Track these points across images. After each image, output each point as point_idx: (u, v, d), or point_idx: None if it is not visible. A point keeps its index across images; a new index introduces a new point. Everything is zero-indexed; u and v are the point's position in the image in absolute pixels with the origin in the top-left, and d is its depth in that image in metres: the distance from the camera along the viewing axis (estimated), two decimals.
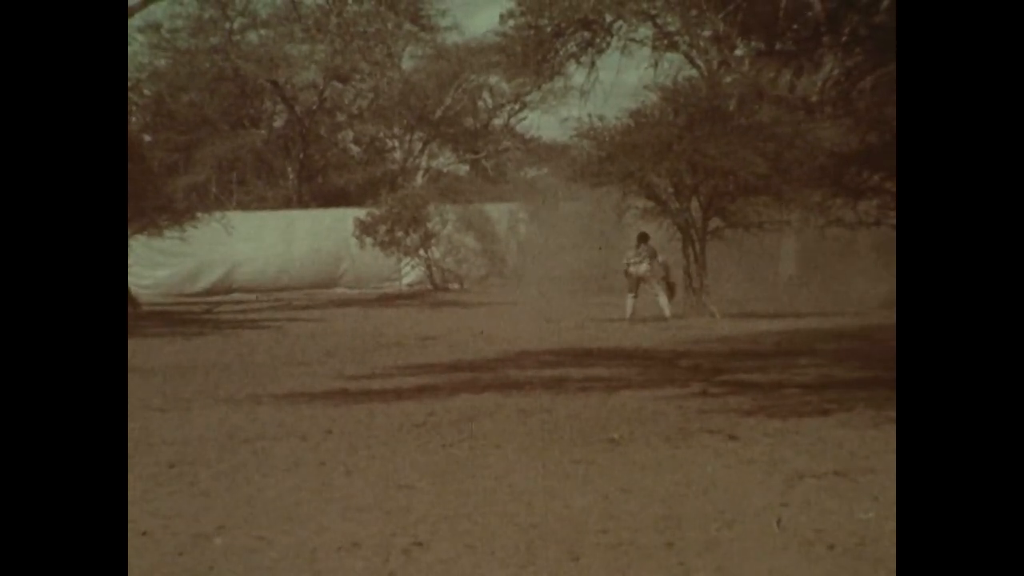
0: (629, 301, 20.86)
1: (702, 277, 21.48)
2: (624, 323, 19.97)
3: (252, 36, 37.19)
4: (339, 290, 31.50)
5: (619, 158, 20.94)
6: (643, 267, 20.92)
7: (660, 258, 21.17)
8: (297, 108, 37.80)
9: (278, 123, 39.11)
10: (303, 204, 36.40)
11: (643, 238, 21.43)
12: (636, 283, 20.90)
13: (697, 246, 21.85)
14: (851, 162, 14.40)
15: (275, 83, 36.90)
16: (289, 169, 38.01)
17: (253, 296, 30.59)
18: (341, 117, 39.39)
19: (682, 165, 20.58)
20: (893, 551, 5.90)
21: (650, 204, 22.28)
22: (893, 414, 9.87)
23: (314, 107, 37.94)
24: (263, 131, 38.52)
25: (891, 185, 14.71)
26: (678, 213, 21.82)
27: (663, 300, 20.73)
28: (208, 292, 30.51)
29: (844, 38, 10.40)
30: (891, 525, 6.39)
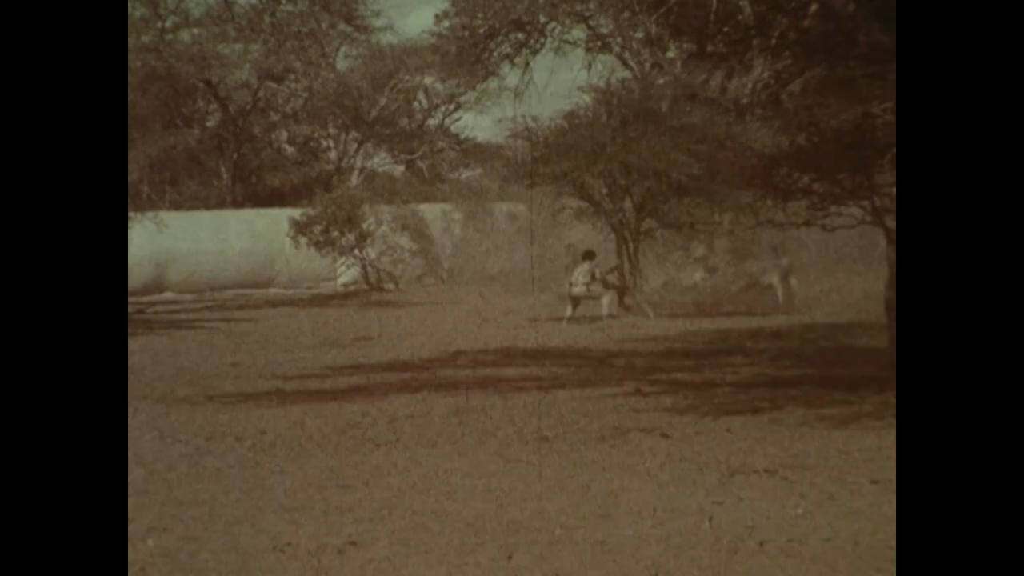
0: (569, 307, 20.80)
1: (636, 277, 21.60)
2: (560, 323, 20.04)
3: (184, 35, 36.90)
4: (274, 290, 31.35)
5: (553, 159, 21.03)
6: (580, 289, 20.72)
7: (610, 274, 21.08)
8: (231, 108, 37.56)
9: (211, 123, 38.83)
10: (237, 204, 36.17)
11: (588, 256, 21.12)
12: (576, 301, 20.71)
13: (631, 246, 21.99)
14: (781, 163, 14.55)
15: (208, 82, 36.63)
16: (223, 169, 37.77)
17: (186, 296, 30.36)
18: (275, 117, 39.17)
19: (615, 166, 20.70)
20: (822, 547, 6.00)
21: (584, 204, 22.39)
22: (823, 411, 10.02)
23: (248, 107, 37.71)
24: (196, 131, 38.24)
25: (820, 186, 14.88)
26: (611, 214, 21.95)
27: (605, 300, 20.63)
28: (140, 292, 30.24)
29: (773, 41, 10.52)
30: (820, 521, 6.50)
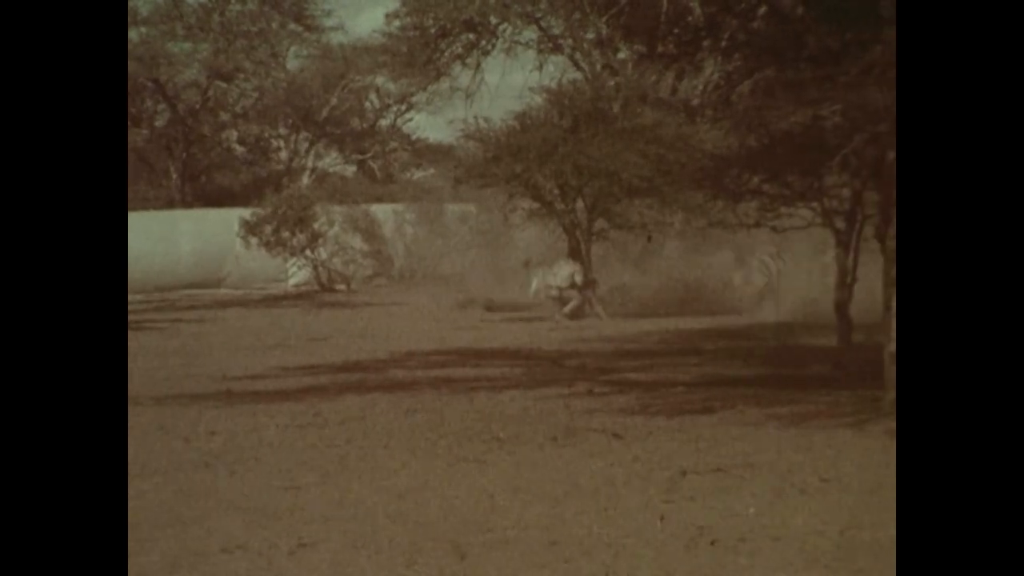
0: (534, 282, 21.01)
1: (587, 278, 21.62)
2: (512, 324, 20.04)
3: (132, 34, 36.61)
4: (223, 291, 31.16)
5: (505, 160, 21.01)
6: (554, 293, 20.92)
7: (586, 286, 21.02)
8: (179, 107, 37.31)
9: (160, 122, 38.53)
10: (186, 204, 35.93)
11: (572, 256, 21.35)
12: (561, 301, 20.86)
13: (582, 247, 22.00)
14: (731, 165, 14.62)
15: (156, 81, 36.37)
16: (172, 169, 37.50)
17: (136, 298, 30.13)
18: (225, 116, 38.94)
19: (567, 167, 20.70)
20: (773, 545, 6.03)
21: (536, 205, 22.37)
22: (774, 410, 10.08)
23: (197, 106, 37.46)
24: (144, 131, 37.93)
25: (770, 187, 14.96)
26: (563, 215, 21.95)
27: (572, 304, 20.77)
28: None
29: (723, 43, 10.56)
30: (771, 519, 6.53)
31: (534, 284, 21.03)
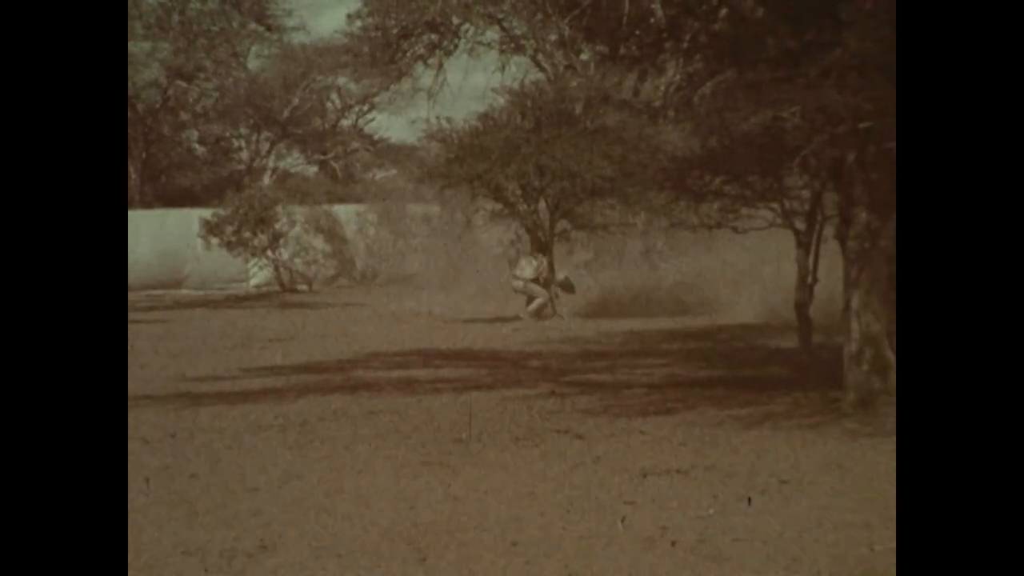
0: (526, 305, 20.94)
1: (550, 279, 21.63)
2: (474, 324, 20.02)
3: None
4: (184, 291, 31.00)
5: (467, 160, 20.99)
6: (519, 285, 21.01)
7: (557, 282, 21.21)
8: (139, 107, 37.09)
9: None
10: (146, 204, 35.72)
11: (539, 250, 21.32)
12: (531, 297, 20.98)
13: (546, 247, 22.03)
14: (693, 165, 14.68)
15: None
16: (131, 169, 37.28)
17: None
18: (185, 116, 38.74)
19: (529, 167, 20.70)
20: (732, 546, 6.06)
21: (498, 206, 22.37)
22: (734, 412, 10.12)
23: (157, 106, 37.26)
24: None
25: (731, 188, 15.02)
26: (526, 215, 21.96)
27: (537, 303, 20.79)
28: None
29: (685, 44, 10.62)
30: (730, 521, 6.56)
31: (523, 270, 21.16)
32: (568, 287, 21.23)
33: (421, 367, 13.94)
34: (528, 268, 20.96)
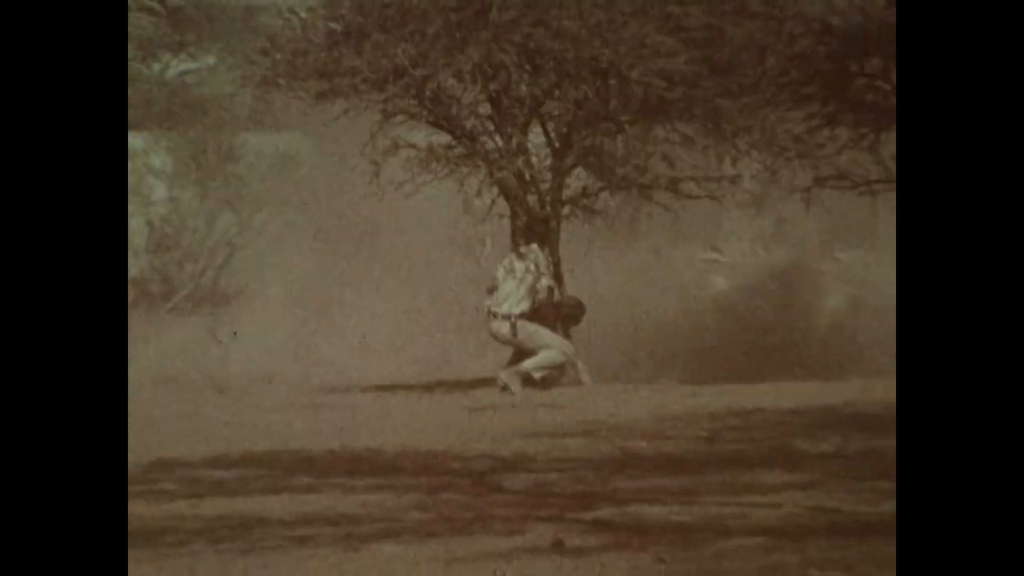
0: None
1: (560, 303, 10.56)
2: (393, 395, 10.49)
3: None
4: None
5: (371, 37, 9.60)
6: (499, 326, 10.42)
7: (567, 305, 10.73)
8: None
9: None
10: None
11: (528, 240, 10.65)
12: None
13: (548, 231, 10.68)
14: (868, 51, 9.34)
15: None
16: None
17: None
18: None
19: (508, 52, 9.59)
20: None
21: (443, 139, 10.66)
22: None
23: None
24: None
25: None
26: (502, 160, 10.43)
27: (543, 356, 10.28)
28: None
29: None
30: None
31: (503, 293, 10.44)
32: (573, 314, 10.64)
33: (267, 492, 6.67)
34: (515, 290, 10.37)
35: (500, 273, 10.48)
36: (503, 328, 10.31)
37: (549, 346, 10.25)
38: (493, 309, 10.37)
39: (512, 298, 10.30)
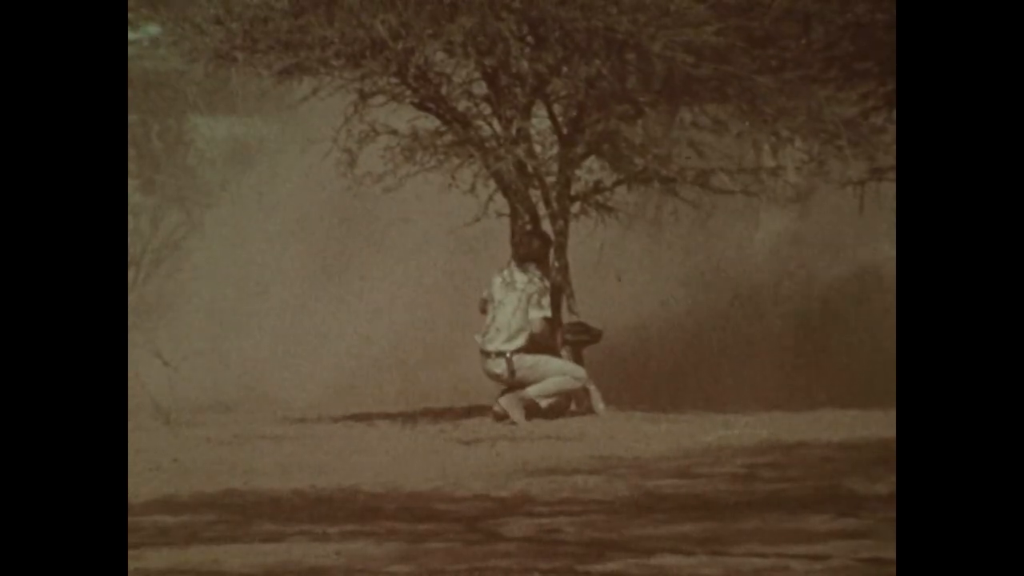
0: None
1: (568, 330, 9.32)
2: (373, 427, 9.21)
3: None
4: None
5: (342, 11, 8.43)
6: (494, 364, 9.11)
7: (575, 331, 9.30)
8: None
9: None
10: None
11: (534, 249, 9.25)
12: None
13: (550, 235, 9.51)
14: None
15: None
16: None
17: None
18: None
19: (505, 21, 7.91)
20: None
21: (431, 124, 9.37)
22: None
23: None
24: None
25: None
26: (500, 149, 9.13)
27: (556, 382, 9.10)
28: None
29: None
30: None
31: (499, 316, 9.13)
32: (584, 340, 9.23)
33: (222, 541, 5.73)
34: (514, 313, 9.01)
35: (496, 288, 8.98)
36: (498, 367, 8.94)
37: (546, 378, 8.92)
38: (485, 347, 8.95)
39: (511, 325, 8.89)
